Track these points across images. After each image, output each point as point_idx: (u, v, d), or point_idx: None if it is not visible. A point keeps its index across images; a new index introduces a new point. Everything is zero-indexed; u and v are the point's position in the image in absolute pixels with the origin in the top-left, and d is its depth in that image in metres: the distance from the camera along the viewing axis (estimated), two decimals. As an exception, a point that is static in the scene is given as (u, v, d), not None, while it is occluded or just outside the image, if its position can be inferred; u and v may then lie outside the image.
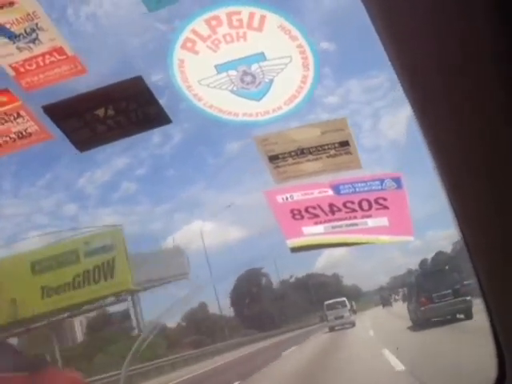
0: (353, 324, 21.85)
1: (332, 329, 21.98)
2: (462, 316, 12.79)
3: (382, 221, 1.66)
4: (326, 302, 24.98)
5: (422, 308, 13.84)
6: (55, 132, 1.49)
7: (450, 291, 13.37)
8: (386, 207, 1.63)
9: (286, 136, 1.52)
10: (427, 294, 14.00)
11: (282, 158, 1.56)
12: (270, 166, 1.58)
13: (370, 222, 1.66)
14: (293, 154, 1.54)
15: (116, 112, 1.46)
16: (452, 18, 1.00)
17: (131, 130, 1.51)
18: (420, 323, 13.48)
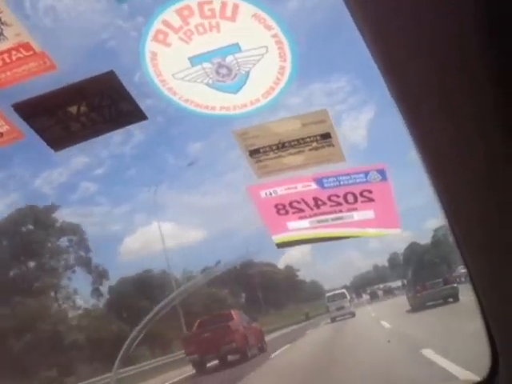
0: (353, 314, 23.03)
1: (333, 319, 23.14)
2: (451, 299, 16.30)
3: (368, 213, 1.63)
4: (327, 294, 26.32)
5: (419, 294, 17.51)
6: (26, 131, 1.44)
7: (440, 280, 17.19)
8: (371, 199, 1.60)
9: (267, 129, 1.47)
10: (422, 283, 17.56)
11: (263, 152, 1.52)
12: (250, 161, 1.53)
13: (356, 215, 1.63)
14: (274, 147, 1.50)
15: (89, 109, 1.41)
16: (441, 14, 0.99)
17: (105, 127, 1.46)
18: (418, 307, 16.72)
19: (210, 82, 1.33)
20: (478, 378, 1.69)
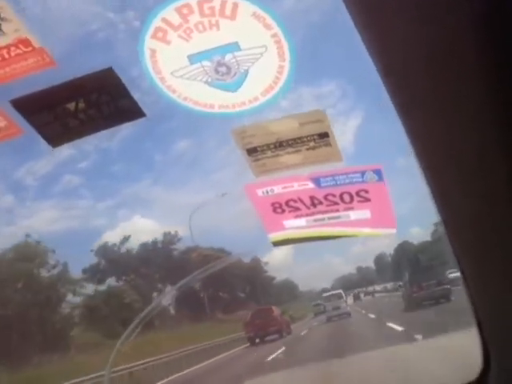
0: (349, 314, 23.53)
1: (329, 319, 23.86)
2: (443, 300, 17.07)
3: (364, 213, 1.63)
4: (324, 294, 27.16)
5: (415, 295, 18.57)
6: (24, 127, 1.44)
7: (434, 281, 18.29)
8: (367, 199, 1.61)
9: (264, 128, 1.48)
10: (418, 284, 18.71)
11: (261, 150, 1.53)
12: (248, 159, 1.54)
13: (353, 215, 1.64)
14: (271, 146, 1.51)
15: (87, 105, 1.41)
16: (437, 14, 0.99)
17: (104, 123, 1.46)
18: (413, 306, 17.61)
19: (209, 80, 1.34)
20: (470, 377, 1.70)
